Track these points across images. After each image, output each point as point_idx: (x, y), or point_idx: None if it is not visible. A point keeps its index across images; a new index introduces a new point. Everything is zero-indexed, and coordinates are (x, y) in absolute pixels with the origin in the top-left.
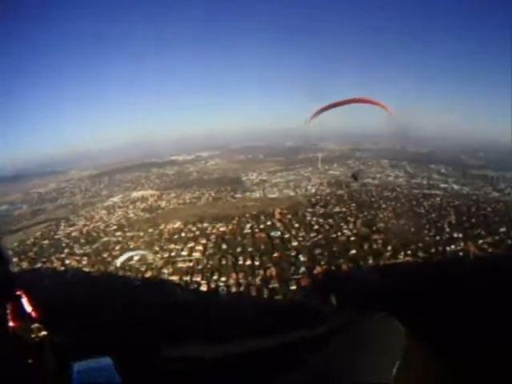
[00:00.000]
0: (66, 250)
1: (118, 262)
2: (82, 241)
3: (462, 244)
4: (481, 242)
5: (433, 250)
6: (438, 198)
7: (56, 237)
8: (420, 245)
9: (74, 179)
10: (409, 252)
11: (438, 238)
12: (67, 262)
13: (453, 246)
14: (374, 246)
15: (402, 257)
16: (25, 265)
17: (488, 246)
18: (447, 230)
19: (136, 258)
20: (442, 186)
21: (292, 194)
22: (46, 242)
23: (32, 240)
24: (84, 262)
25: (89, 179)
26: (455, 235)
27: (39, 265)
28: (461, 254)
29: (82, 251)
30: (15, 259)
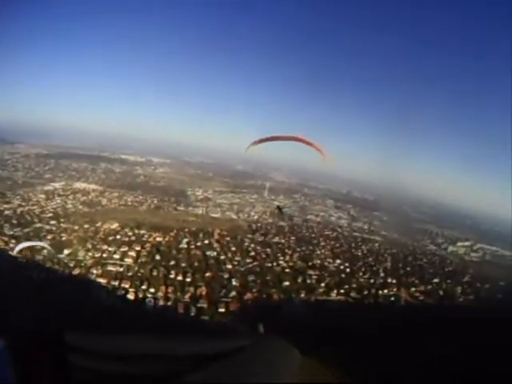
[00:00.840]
0: None
1: (15, 250)
2: (14, 222)
3: (394, 289)
4: (413, 289)
5: (365, 292)
6: (377, 244)
7: None
8: (354, 285)
9: (19, 154)
10: (342, 291)
11: (372, 281)
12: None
13: (385, 291)
14: (308, 281)
15: (334, 295)
16: None
17: (420, 293)
18: (382, 274)
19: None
20: (382, 233)
21: (234, 217)
22: None
23: None
24: (11, 245)
25: (35, 158)
26: (389, 280)
27: None
28: (392, 298)
29: (11, 232)
30: None
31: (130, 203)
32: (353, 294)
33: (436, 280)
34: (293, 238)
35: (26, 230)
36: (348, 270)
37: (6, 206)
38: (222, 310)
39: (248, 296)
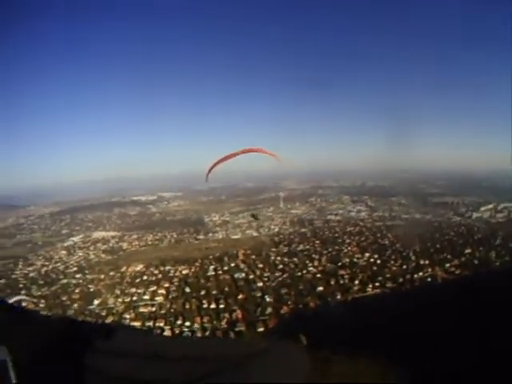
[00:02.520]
0: (22, 292)
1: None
2: (41, 282)
3: (429, 270)
4: (448, 265)
5: (401, 280)
6: (401, 229)
7: (13, 276)
8: (388, 275)
9: (33, 215)
10: (377, 284)
11: (404, 266)
12: (24, 304)
13: (420, 273)
14: (341, 282)
15: (370, 289)
16: None
17: (455, 268)
18: (413, 258)
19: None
20: (404, 216)
21: (255, 234)
22: (3, 281)
23: None
24: (42, 305)
25: (49, 217)
26: (422, 262)
27: None
28: (429, 279)
29: (39, 293)
30: None
31: (150, 242)
32: (389, 285)
33: (468, 250)
34: (317, 241)
35: (53, 288)
36: (378, 261)
37: (29, 268)
38: (261, 329)
39: (284, 309)
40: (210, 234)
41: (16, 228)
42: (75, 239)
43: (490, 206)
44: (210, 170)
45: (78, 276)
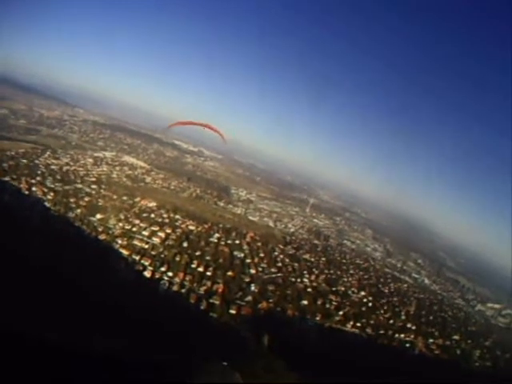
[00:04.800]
0: (38, 178)
1: None
2: (58, 177)
3: (411, 336)
4: (431, 341)
5: (381, 331)
6: (406, 285)
7: (36, 161)
8: (372, 322)
9: (78, 117)
10: (358, 324)
11: (391, 321)
12: (34, 188)
13: (402, 335)
14: (327, 306)
15: (349, 326)
16: None
17: (436, 347)
18: (403, 317)
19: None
20: (414, 275)
21: (271, 224)
22: (25, 161)
23: (13, 153)
24: (49, 197)
25: (92, 124)
26: (408, 325)
27: (7, 178)
28: (407, 345)
29: (52, 186)
30: None
31: (172, 187)
32: (368, 331)
33: (456, 337)
34: (323, 258)
35: (67, 187)
36: (370, 304)
37: (54, 161)
38: (232, 311)
39: (263, 305)
40: (230, 206)
41: (58, 122)
42: (106, 154)
43: (497, 306)
44: (172, 125)
45: (93, 187)
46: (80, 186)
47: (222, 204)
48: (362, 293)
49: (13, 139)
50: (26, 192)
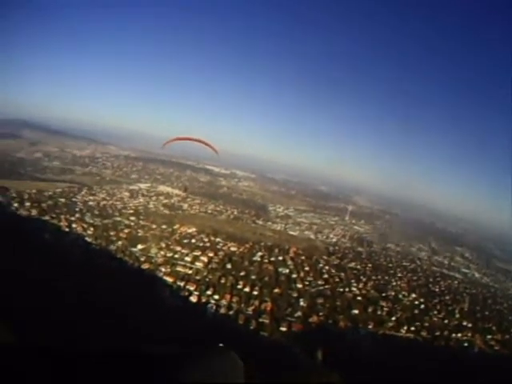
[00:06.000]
0: (77, 215)
1: None
2: (96, 212)
3: (469, 334)
4: (489, 337)
5: (437, 333)
6: (456, 282)
7: (73, 199)
8: (426, 324)
9: (110, 154)
10: (412, 328)
11: (446, 321)
12: (74, 225)
13: (459, 334)
14: (379, 312)
15: (403, 331)
16: (34, 213)
17: (496, 343)
18: (457, 316)
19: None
20: (463, 270)
21: (312, 237)
22: (63, 200)
23: (50, 193)
24: (89, 232)
25: (124, 159)
26: (464, 323)
27: (47, 217)
28: (465, 344)
29: (91, 221)
30: (27, 204)
31: (210, 211)
32: (423, 334)
33: None
34: (369, 265)
35: (106, 221)
36: (422, 306)
37: (91, 197)
38: (283, 328)
39: (313, 319)
40: (269, 223)
41: (91, 160)
42: (141, 186)
43: None
44: (169, 142)
45: (131, 218)
46: (119, 218)
47: (260, 222)
48: (413, 295)
49: (49, 180)
50: (66, 229)
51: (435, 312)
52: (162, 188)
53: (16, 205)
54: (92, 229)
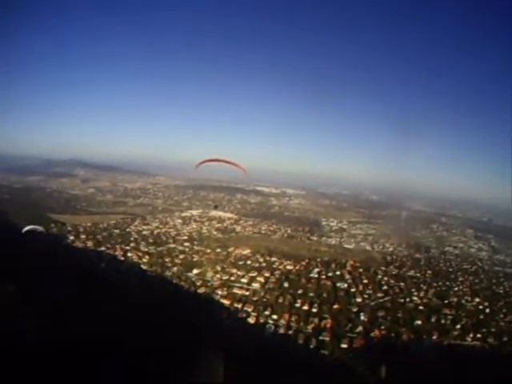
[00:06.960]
0: (131, 244)
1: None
2: (150, 240)
3: None
4: None
5: (505, 339)
6: None
7: (127, 230)
8: (493, 330)
9: (160, 184)
10: (479, 335)
11: None
12: (129, 254)
13: None
14: (443, 321)
15: (470, 339)
16: (90, 244)
17: None
18: None
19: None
20: None
21: (368, 248)
22: (117, 231)
23: (105, 225)
24: (144, 260)
25: (174, 188)
26: None
27: (103, 248)
28: None
29: (146, 249)
30: (83, 236)
31: (263, 231)
32: (490, 340)
33: None
34: (429, 271)
35: (160, 249)
36: (487, 310)
37: (144, 227)
38: (344, 345)
39: (375, 333)
40: (324, 238)
41: (142, 191)
42: (193, 212)
43: None
44: (202, 163)
45: (186, 244)
46: (173, 245)
47: (315, 238)
48: (477, 299)
49: (102, 213)
50: (122, 258)
51: (501, 315)
52: (214, 213)
53: (72, 238)
54: (147, 256)
